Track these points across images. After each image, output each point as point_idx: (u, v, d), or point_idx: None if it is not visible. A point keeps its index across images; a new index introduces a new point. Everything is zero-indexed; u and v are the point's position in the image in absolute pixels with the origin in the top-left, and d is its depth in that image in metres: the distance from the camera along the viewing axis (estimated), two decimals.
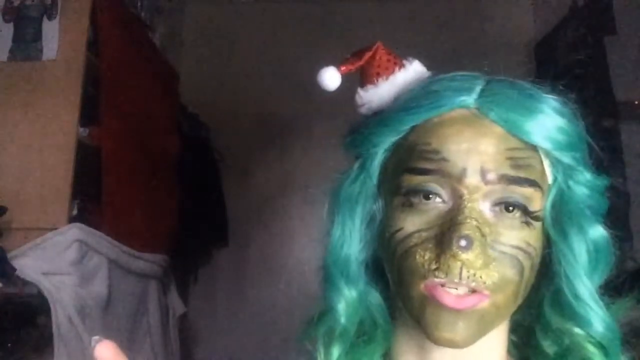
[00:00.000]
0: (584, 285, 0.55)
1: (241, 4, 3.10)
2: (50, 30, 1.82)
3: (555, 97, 0.55)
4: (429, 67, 0.61)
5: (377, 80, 0.61)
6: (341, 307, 0.59)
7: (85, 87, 1.82)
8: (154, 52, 2.43)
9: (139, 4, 2.35)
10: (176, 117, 2.58)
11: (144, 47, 2.31)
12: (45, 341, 1.57)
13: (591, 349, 0.56)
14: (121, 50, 2.04)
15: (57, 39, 1.82)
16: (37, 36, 1.82)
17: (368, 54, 0.62)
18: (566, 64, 2.36)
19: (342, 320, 0.59)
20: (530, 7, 3.01)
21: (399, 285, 0.55)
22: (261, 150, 3.01)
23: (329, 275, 0.60)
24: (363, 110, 0.63)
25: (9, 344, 1.57)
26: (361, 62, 0.62)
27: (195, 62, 3.04)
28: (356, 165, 0.61)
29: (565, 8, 2.46)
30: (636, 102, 2.21)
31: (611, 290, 0.58)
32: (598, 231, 0.56)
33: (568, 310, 0.56)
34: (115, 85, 1.98)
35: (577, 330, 0.56)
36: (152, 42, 2.43)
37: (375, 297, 0.61)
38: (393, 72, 0.61)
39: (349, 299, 0.59)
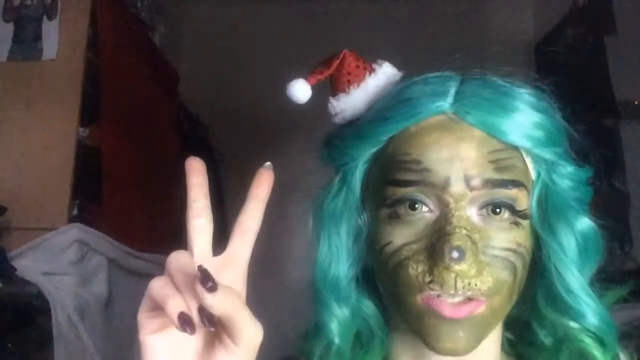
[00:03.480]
0: (575, 279, 0.55)
1: (241, 4, 3.10)
2: (50, 30, 1.82)
3: (530, 91, 0.54)
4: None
5: (349, 88, 0.60)
6: (334, 326, 0.58)
7: (85, 87, 1.82)
8: (154, 52, 2.42)
9: (139, 4, 2.35)
10: (176, 117, 2.58)
11: (144, 47, 2.31)
12: (45, 341, 1.57)
13: (588, 341, 0.56)
14: (121, 50, 2.03)
15: (57, 39, 1.81)
16: (37, 36, 1.82)
17: (336, 62, 0.60)
18: (566, 64, 2.36)
19: (336, 340, 0.58)
20: (530, 7, 3.00)
21: (394, 298, 0.55)
22: (261, 150, 2.98)
23: (319, 295, 0.59)
24: (337, 119, 0.61)
25: (9, 344, 1.57)
26: (330, 71, 0.60)
27: (195, 62, 3.03)
28: (336, 179, 0.60)
29: (565, 8, 2.45)
30: (636, 102, 2.21)
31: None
32: (585, 223, 0.56)
33: (561, 304, 0.56)
34: (115, 85, 1.98)
35: (572, 323, 0.56)
36: (152, 42, 2.43)
37: (369, 308, 0.60)
38: (363, 78, 0.60)
39: (341, 318, 0.58)
